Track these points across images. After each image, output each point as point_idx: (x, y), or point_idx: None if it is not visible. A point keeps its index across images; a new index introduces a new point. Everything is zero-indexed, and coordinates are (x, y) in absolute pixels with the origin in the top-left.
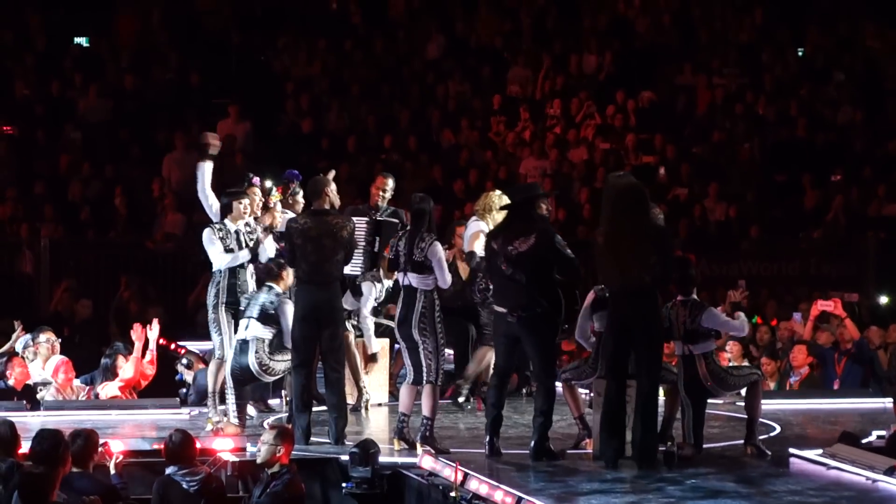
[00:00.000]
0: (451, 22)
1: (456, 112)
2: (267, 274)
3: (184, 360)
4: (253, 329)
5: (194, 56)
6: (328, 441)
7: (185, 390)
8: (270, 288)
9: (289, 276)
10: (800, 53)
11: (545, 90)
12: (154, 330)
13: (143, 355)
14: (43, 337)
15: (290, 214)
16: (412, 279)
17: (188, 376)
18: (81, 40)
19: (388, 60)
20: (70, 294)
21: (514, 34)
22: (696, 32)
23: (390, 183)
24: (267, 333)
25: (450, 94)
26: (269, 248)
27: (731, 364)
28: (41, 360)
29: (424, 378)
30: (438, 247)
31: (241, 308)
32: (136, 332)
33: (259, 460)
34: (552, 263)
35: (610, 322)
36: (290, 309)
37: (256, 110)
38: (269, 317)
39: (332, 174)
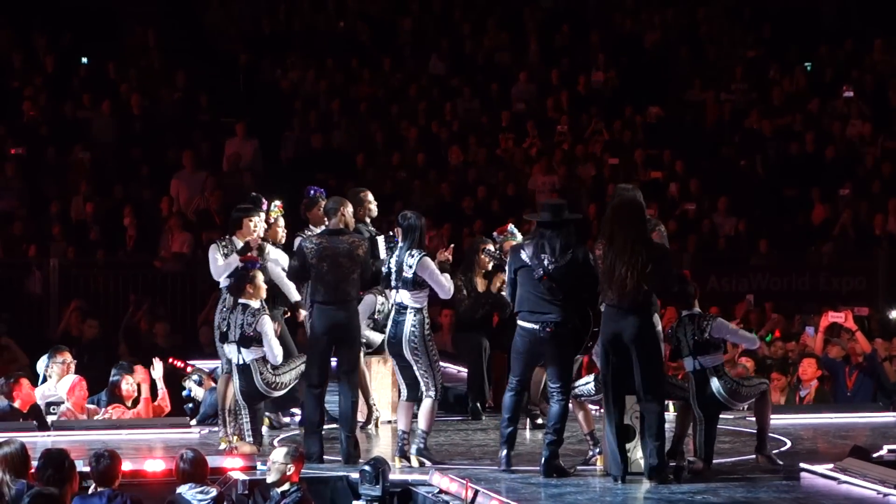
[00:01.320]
0: (459, 39)
1: (464, 129)
2: (235, 291)
3: (194, 377)
4: (244, 354)
5: (202, 75)
6: (338, 459)
7: (190, 405)
8: (246, 307)
9: (257, 287)
10: (808, 68)
11: (552, 106)
12: (157, 370)
13: (153, 394)
14: (59, 358)
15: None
16: (403, 296)
17: (198, 392)
18: (89, 61)
19: (396, 78)
20: (79, 314)
21: (521, 51)
22: (704, 48)
23: (370, 196)
24: (258, 354)
25: (458, 111)
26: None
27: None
28: (56, 378)
29: (424, 393)
30: (427, 261)
31: (223, 330)
32: (155, 370)
33: (269, 479)
34: (583, 281)
35: (603, 336)
36: (268, 324)
37: (265, 129)
38: (248, 339)
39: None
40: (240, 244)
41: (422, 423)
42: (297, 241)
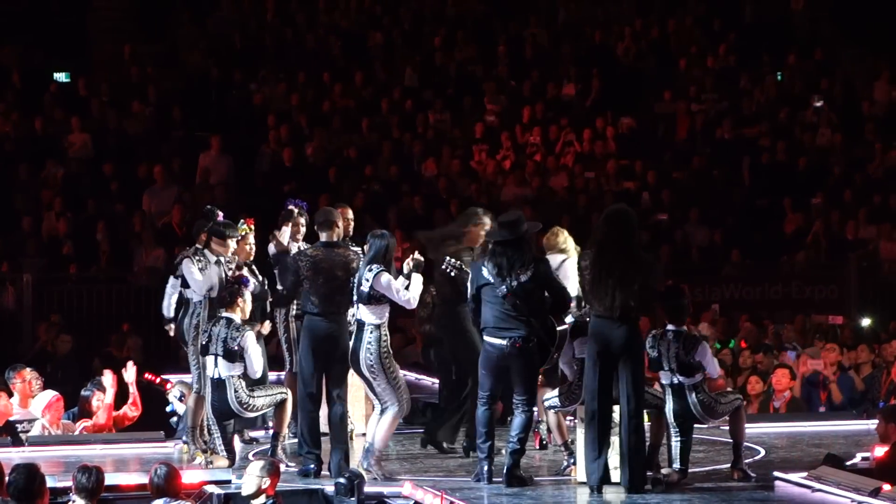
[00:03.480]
0: (431, 52)
1: (437, 141)
2: (220, 303)
3: (175, 392)
4: (222, 368)
5: (174, 90)
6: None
7: (175, 419)
8: (230, 321)
9: (245, 303)
10: (779, 78)
11: (524, 118)
12: (130, 372)
13: (120, 399)
14: (17, 378)
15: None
16: (362, 312)
17: (180, 408)
18: (61, 76)
19: (368, 91)
20: (53, 329)
21: (492, 62)
22: (675, 59)
23: (350, 213)
24: (237, 370)
25: (430, 124)
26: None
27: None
28: (18, 397)
29: (388, 407)
30: (383, 276)
31: (203, 342)
32: (106, 378)
33: (245, 492)
34: (545, 293)
35: (591, 347)
36: (251, 341)
37: (237, 143)
38: (232, 353)
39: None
40: (213, 258)
41: (377, 437)
42: (271, 247)
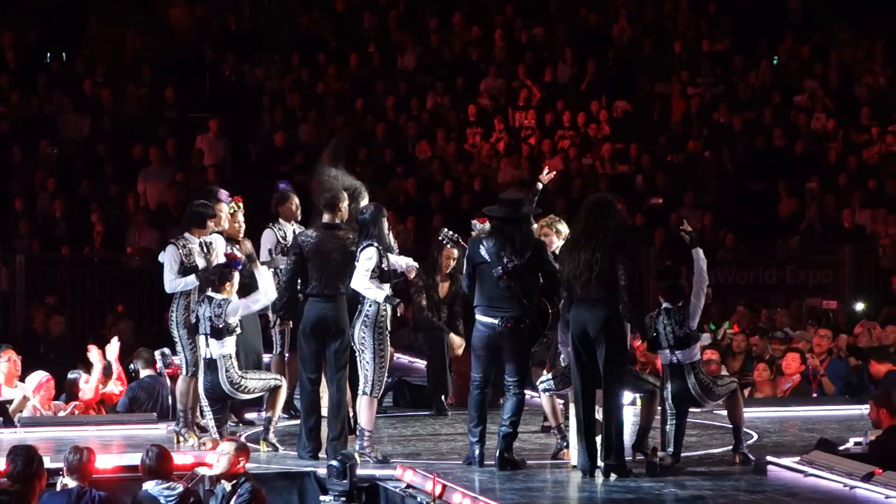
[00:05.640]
0: (426, 33)
1: (431, 124)
2: (208, 284)
3: (132, 366)
4: (213, 348)
5: (168, 72)
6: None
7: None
8: (211, 299)
9: (233, 286)
10: (775, 62)
11: (519, 101)
12: (113, 348)
13: (106, 376)
14: (3, 356)
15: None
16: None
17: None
18: (56, 57)
19: (363, 73)
20: (45, 310)
21: (487, 45)
22: (670, 42)
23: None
24: (228, 349)
25: (425, 106)
26: (265, 280)
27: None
28: (3, 377)
29: (361, 389)
30: (366, 251)
31: (192, 322)
32: (92, 354)
33: (218, 471)
34: (539, 275)
35: (572, 331)
36: (235, 307)
37: (231, 125)
38: (219, 330)
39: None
40: (196, 241)
41: (362, 421)
42: (266, 233)
